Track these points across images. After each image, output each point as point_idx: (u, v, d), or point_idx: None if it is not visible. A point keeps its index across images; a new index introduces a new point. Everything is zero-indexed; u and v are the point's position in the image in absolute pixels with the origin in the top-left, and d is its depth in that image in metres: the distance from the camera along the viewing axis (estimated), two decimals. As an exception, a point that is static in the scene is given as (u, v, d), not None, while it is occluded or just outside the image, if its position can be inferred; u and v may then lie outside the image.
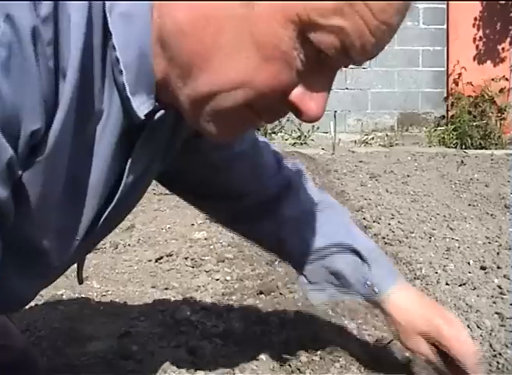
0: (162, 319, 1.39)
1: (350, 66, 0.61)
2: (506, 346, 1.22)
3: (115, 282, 1.71)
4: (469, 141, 5.34)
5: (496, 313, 1.39)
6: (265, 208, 1.02)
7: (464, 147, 5.29)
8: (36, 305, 1.45)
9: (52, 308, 1.45)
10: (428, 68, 5.78)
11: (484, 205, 2.72)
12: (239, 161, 0.96)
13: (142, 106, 0.60)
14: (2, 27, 0.46)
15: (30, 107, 0.50)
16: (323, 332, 1.24)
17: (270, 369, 1.15)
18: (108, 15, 0.56)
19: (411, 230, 2.22)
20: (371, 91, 5.74)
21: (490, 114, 5.52)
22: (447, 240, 2.07)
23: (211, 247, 2.02)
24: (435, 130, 5.68)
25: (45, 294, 1.52)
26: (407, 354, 1.10)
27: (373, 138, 5.70)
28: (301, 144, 5.46)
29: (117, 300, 1.56)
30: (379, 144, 5.55)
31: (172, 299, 1.56)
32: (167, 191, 1.07)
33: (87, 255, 0.88)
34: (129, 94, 0.58)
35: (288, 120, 5.17)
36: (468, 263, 1.79)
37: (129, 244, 2.07)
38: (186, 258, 1.90)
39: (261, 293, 1.58)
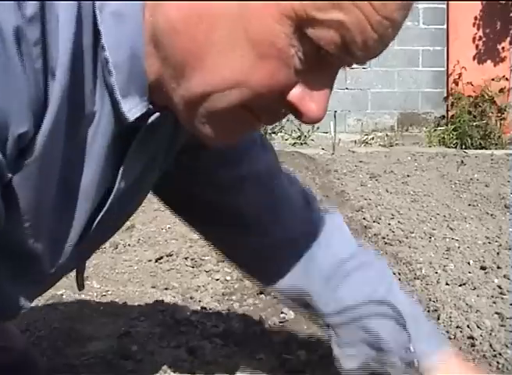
0: (162, 319, 1.39)
1: (354, 65, 0.58)
2: (506, 346, 1.22)
3: (115, 282, 1.71)
4: (469, 141, 5.34)
5: (496, 313, 1.39)
6: (285, 251, 0.91)
7: (464, 147, 5.29)
8: (36, 305, 1.45)
9: (52, 308, 1.45)
10: (428, 68, 5.78)
11: (484, 205, 2.72)
12: (250, 184, 0.87)
13: (134, 109, 0.58)
14: None
15: (17, 109, 0.49)
16: (323, 332, 1.24)
17: (270, 369, 1.15)
18: (98, 14, 0.54)
19: (411, 230, 2.22)
20: (371, 91, 5.74)
21: (490, 114, 5.51)
22: (447, 240, 2.07)
23: (211, 247, 2.02)
24: (435, 130, 5.68)
25: (45, 294, 1.51)
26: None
27: (373, 138, 5.70)
28: (301, 144, 5.46)
29: (117, 300, 1.56)
30: (379, 144, 5.55)
31: (172, 299, 1.56)
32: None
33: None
34: (118, 96, 0.56)
35: (288, 120, 5.16)
36: (468, 263, 1.79)
37: (129, 244, 2.07)
38: (186, 258, 1.90)
39: (261, 293, 1.58)
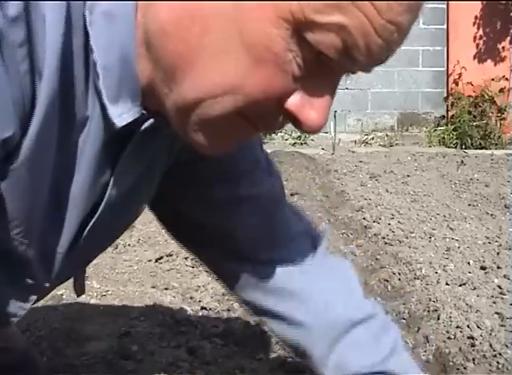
0: (162, 319, 1.39)
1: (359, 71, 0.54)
2: (506, 346, 1.22)
3: (115, 282, 1.71)
4: (469, 141, 5.34)
5: (496, 313, 1.39)
6: (285, 293, 0.83)
7: (464, 147, 5.29)
8: (36, 305, 1.45)
9: (52, 308, 1.45)
10: (428, 68, 5.78)
11: (484, 205, 2.72)
12: (248, 207, 0.80)
13: (126, 114, 0.55)
14: None
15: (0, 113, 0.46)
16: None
17: (270, 369, 1.15)
18: (87, 14, 0.51)
19: (411, 230, 2.22)
20: (371, 91, 5.74)
21: (490, 114, 5.52)
22: (447, 240, 2.07)
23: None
24: (435, 130, 5.68)
25: (45, 294, 1.52)
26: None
27: (373, 138, 5.70)
28: (301, 144, 5.46)
29: (117, 300, 1.56)
30: (379, 144, 5.55)
31: (172, 299, 1.56)
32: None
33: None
34: (105, 100, 0.54)
35: (288, 120, 5.16)
36: (468, 263, 1.79)
37: (129, 244, 2.07)
38: (186, 258, 1.90)
39: (261, 293, 1.57)
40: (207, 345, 1.24)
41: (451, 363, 1.22)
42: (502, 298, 1.48)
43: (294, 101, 0.53)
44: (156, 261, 1.89)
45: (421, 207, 2.63)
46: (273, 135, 5.43)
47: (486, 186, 3.18)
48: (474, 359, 1.21)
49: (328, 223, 2.45)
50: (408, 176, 3.52)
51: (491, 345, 1.23)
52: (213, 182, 0.79)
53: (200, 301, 1.54)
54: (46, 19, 0.48)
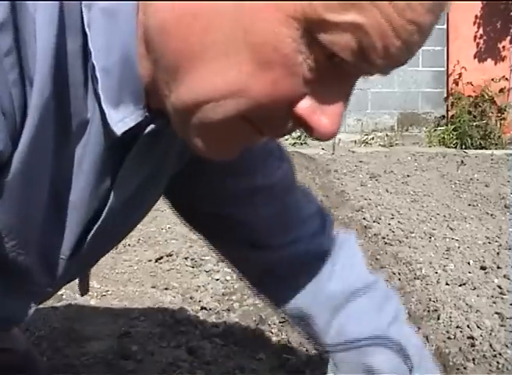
0: (162, 319, 1.39)
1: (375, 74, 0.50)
2: (506, 346, 1.22)
3: (115, 282, 1.71)
4: (469, 141, 5.34)
5: (496, 313, 1.39)
6: (296, 273, 0.85)
7: (464, 147, 5.29)
8: (36, 305, 1.45)
9: (52, 308, 1.45)
10: (428, 68, 5.78)
11: (484, 205, 2.72)
12: (262, 197, 0.81)
13: (128, 118, 0.52)
14: None
15: None
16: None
17: (270, 369, 1.15)
18: (85, 12, 0.48)
19: (411, 230, 2.22)
20: (371, 91, 5.74)
21: (490, 114, 5.51)
22: (447, 240, 2.07)
23: (211, 247, 2.02)
24: (435, 130, 5.68)
25: (45, 294, 1.52)
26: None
27: (373, 138, 5.70)
28: (301, 144, 5.46)
29: (117, 300, 1.56)
30: (379, 144, 5.55)
31: (172, 299, 1.56)
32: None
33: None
34: (104, 105, 0.51)
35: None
36: (468, 263, 1.79)
37: (129, 244, 2.07)
38: (186, 258, 1.90)
39: (261, 293, 1.58)
40: (207, 345, 1.24)
41: (451, 363, 1.22)
42: (502, 298, 1.48)
43: (305, 107, 0.49)
44: (156, 261, 1.89)
45: (421, 207, 2.63)
46: (273, 135, 5.42)
47: (486, 186, 3.18)
48: (474, 359, 1.21)
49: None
50: (408, 176, 3.52)
51: (491, 345, 1.23)
52: (227, 174, 0.77)
53: (200, 301, 1.54)
54: (36, 21, 0.45)
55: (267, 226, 0.83)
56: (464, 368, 1.19)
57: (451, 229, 2.23)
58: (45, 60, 0.46)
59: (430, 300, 1.50)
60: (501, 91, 5.53)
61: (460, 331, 1.31)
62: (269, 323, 1.39)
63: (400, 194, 2.97)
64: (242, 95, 0.47)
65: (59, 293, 1.55)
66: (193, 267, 1.84)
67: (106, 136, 0.53)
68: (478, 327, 1.32)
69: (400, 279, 1.71)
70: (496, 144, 5.30)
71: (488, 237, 2.08)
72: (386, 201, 2.75)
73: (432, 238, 2.10)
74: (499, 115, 5.56)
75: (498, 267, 1.72)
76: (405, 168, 3.88)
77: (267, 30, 0.44)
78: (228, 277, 1.73)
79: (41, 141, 0.49)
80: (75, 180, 0.55)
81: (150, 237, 2.16)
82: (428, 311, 1.45)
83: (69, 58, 0.49)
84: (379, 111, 5.80)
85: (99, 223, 0.61)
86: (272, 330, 1.35)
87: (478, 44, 5.70)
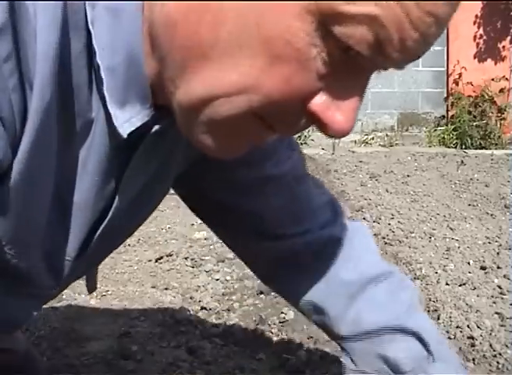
0: (162, 319, 1.39)
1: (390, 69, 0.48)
2: (506, 346, 1.22)
3: (115, 282, 1.71)
4: (469, 141, 5.34)
5: (496, 313, 1.39)
6: (308, 262, 0.84)
7: (464, 147, 5.29)
8: (36, 305, 1.45)
9: (52, 308, 1.45)
10: (428, 68, 5.78)
11: (484, 205, 2.72)
12: (272, 186, 0.79)
13: (135, 118, 0.51)
14: None
15: None
16: (323, 332, 1.25)
17: (270, 369, 1.15)
18: (88, 10, 0.47)
19: (411, 230, 2.22)
20: (371, 90, 5.74)
21: (490, 114, 5.52)
22: (447, 240, 2.07)
23: (211, 247, 2.02)
24: (435, 130, 5.68)
25: (45, 294, 1.52)
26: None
27: (373, 138, 5.69)
28: (301, 144, 5.45)
29: (117, 300, 1.56)
30: (379, 144, 5.55)
31: (172, 299, 1.56)
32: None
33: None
34: (109, 105, 0.50)
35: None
36: (468, 263, 1.79)
37: (129, 244, 2.07)
38: (186, 258, 1.90)
39: (261, 293, 1.58)
40: (207, 345, 1.24)
41: (451, 363, 1.22)
42: (502, 298, 1.48)
43: (319, 103, 0.47)
44: (156, 261, 1.90)
45: (421, 207, 2.63)
46: (273, 135, 5.42)
47: (486, 186, 3.18)
48: (474, 359, 1.21)
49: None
50: (408, 176, 3.52)
51: (491, 345, 1.23)
52: (237, 165, 0.75)
53: (200, 301, 1.54)
54: (37, 22, 0.44)
55: (277, 216, 0.81)
56: (464, 368, 1.19)
57: (451, 229, 2.23)
58: (46, 62, 0.45)
59: (430, 300, 1.51)
60: (501, 91, 5.53)
61: (460, 331, 1.32)
62: (269, 323, 1.39)
63: (400, 194, 2.97)
64: (254, 91, 0.46)
65: (59, 293, 1.55)
66: (193, 267, 1.84)
67: (111, 136, 0.52)
68: (478, 327, 1.32)
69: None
70: (496, 144, 5.30)
71: (488, 237, 2.08)
72: (386, 201, 2.75)
73: (432, 238, 2.10)
74: (499, 115, 5.56)
75: (498, 267, 1.72)
76: (405, 168, 3.88)
77: (280, 23, 0.43)
78: (228, 277, 1.73)
79: (44, 144, 0.48)
80: (79, 181, 0.54)
81: (150, 237, 2.16)
82: (428, 311, 1.45)
83: (72, 58, 0.48)
84: (379, 111, 5.80)
85: (105, 222, 0.60)
86: (272, 330, 1.35)
87: (478, 44, 5.70)
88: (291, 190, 0.81)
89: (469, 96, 5.59)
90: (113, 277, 1.75)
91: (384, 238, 2.12)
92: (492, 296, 1.50)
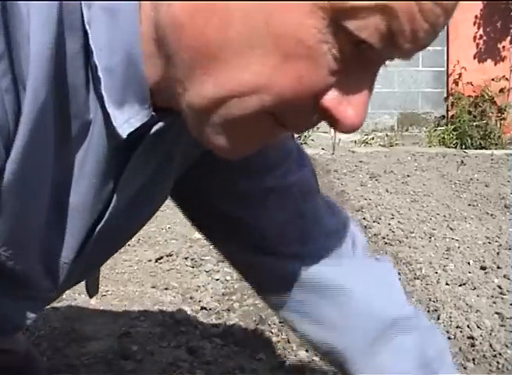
0: (162, 319, 1.39)
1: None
2: (506, 346, 1.22)
3: (115, 282, 1.71)
4: (469, 141, 5.34)
5: (496, 313, 1.39)
6: (318, 292, 0.77)
7: (464, 147, 5.29)
8: (36, 305, 1.45)
9: (52, 308, 1.45)
10: (428, 68, 5.78)
11: (484, 205, 2.72)
12: (275, 198, 0.75)
13: (133, 118, 0.50)
14: None
15: None
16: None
17: (270, 369, 1.15)
18: (85, 10, 0.47)
19: (411, 230, 2.22)
20: (371, 90, 5.74)
21: (490, 114, 5.52)
22: (447, 240, 2.07)
23: (211, 247, 2.01)
24: (435, 130, 5.68)
25: (45, 294, 1.52)
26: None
27: (373, 138, 5.70)
28: (301, 144, 5.45)
29: (117, 300, 1.56)
30: (379, 144, 5.55)
31: (172, 299, 1.56)
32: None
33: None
34: (107, 105, 0.49)
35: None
36: (468, 263, 1.79)
37: (129, 244, 2.06)
38: (186, 258, 1.90)
39: (261, 293, 1.58)
40: (207, 345, 1.24)
41: (451, 363, 1.22)
42: (502, 298, 1.48)
43: (331, 99, 0.47)
44: (156, 261, 1.90)
45: (421, 207, 2.63)
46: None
47: (486, 186, 3.18)
48: (474, 359, 1.21)
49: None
50: (408, 176, 3.52)
51: (491, 345, 1.23)
52: (239, 174, 0.73)
53: (200, 301, 1.54)
54: (31, 24, 0.43)
55: (280, 232, 0.76)
56: (464, 368, 1.19)
57: (451, 229, 2.23)
58: (40, 62, 0.44)
59: (430, 300, 1.51)
60: (501, 91, 5.54)
61: (460, 331, 1.32)
62: (269, 323, 1.39)
63: (400, 194, 2.97)
64: (266, 90, 0.45)
65: (59, 293, 1.55)
66: (193, 267, 1.84)
67: (109, 137, 0.52)
68: (478, 327, 1.32)
69: (400, 279, 1.71)
70: (496, 144, 5.31)
71: (488, 237, 2.08)
72: (386, 201, 2.75)
73: (432, 238, 2.10)
74: (499, 115, 5.56)
75: (498, 267, 1.72)
76: (405, 168, 3.88)
77: (290, 21, 0.43)
78: (228, 277, 1.73)
79: (38, 145, 0.48)
80: (77, 183, 0.54)
81: (150, 237, 2.16)
82: (428, 311, 1.45)
83: (68, 59, 0.47)
84: (379, 111, 5.80)
85: (102, 223, 0.59)
86: (272, 330, 1.35)
87: (477, 44, 5.70)
88: (296, 205, 0.76)
89: (469, 96, 5.60)
90: (113, 277, 1.75)
91: (384, 238, 2.12)
92: (492, 296, 1.50)
